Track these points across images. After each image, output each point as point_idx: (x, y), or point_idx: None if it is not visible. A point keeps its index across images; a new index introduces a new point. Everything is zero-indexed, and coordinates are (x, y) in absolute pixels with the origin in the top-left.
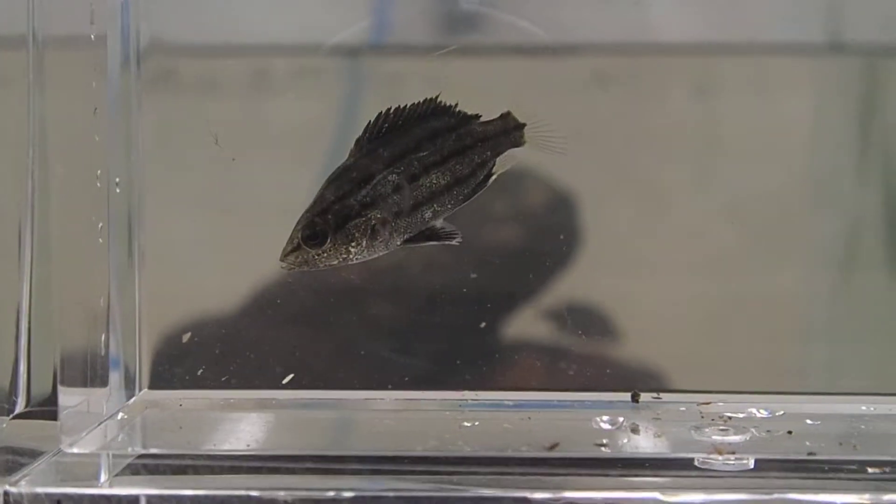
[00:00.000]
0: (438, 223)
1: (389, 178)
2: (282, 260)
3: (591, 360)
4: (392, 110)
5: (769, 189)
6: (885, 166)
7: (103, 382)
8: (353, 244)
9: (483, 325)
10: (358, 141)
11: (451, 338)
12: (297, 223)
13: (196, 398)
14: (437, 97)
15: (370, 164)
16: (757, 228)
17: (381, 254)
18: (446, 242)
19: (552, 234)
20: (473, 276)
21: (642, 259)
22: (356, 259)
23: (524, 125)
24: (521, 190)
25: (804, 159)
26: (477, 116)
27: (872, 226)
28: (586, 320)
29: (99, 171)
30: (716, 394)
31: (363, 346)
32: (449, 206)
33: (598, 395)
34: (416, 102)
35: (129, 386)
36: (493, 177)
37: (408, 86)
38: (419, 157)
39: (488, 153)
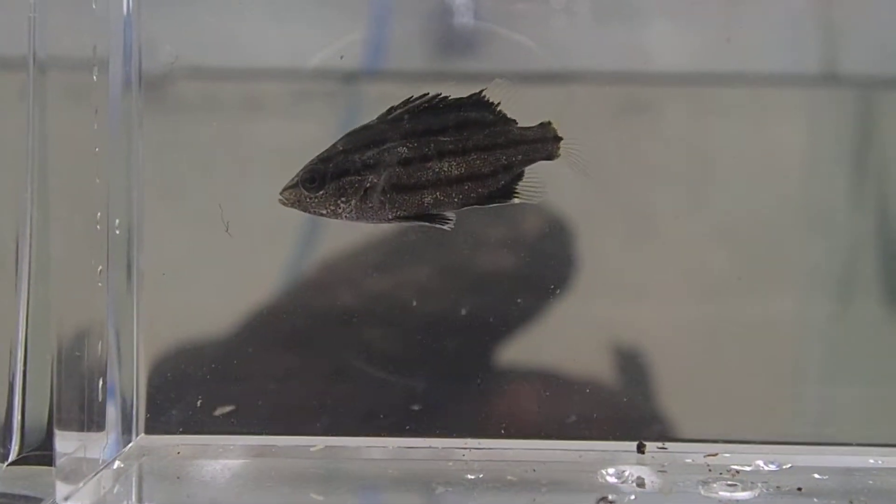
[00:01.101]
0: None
1: (399, 149)
2: (280, 193)
3: (587, 387)
4: (436, 95)
5: (765, 218)
6: (879, 196)
7: (100, 426)
8: (342, 199)
9: (479, 351)
10: (391, 108)
11: (447, 365)
12: (306, 164)
13: (194, 444)
14: (482, 91)
15: (387, 129)
16: (753, 257)
17: (371, 222)
18: (437, 226)
19: (546, 260)
20: (463, 311)
21: (636, 286)
22: (345, 217)
23: (561, 138)
24: (515, 216)
25: (799, 189)
26: (515, 122)
27: (868, 254)
28: (582, 348)
29: (99, 214)
30: (721, 443)
31: (357, 372)
32: (455, 200)
33: (603, 444)
34: (460, 96)
35: (126, 430)
36: (516, 200)
37: None
38: (437, 141)
39: (518, 157)
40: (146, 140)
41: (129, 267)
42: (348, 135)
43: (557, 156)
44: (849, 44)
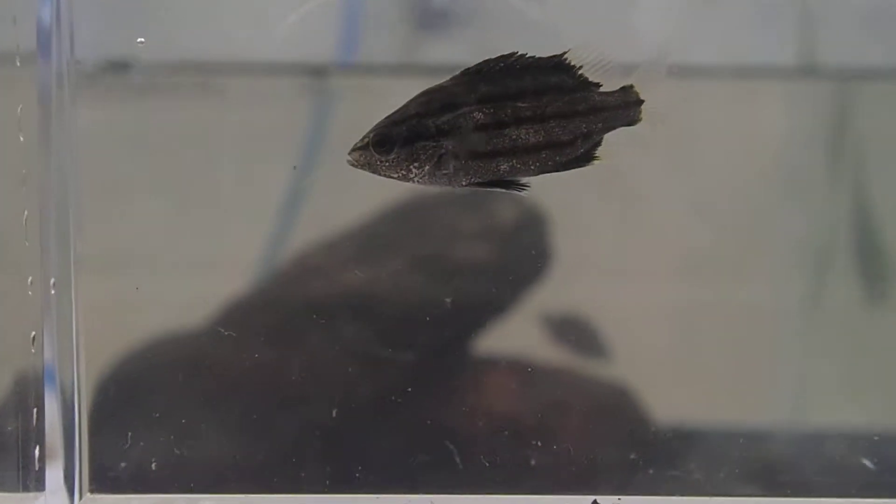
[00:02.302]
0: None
1: (475, 114)
2: (349, 154)
3: (564, 376)
4: (514, 55)
5: (743, 203)
6: (855, 181)
7: (39, 486)
8: (415, 164)
9: (453, 345)
10: (466, 70)
11: (420, 357)
12: (377, 125)
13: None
14: (564, 54)
15: (461, 92)
16: (734, 244)
17: (443, 186)
18: (514, 192)
19: (523, 250)
20: (448, 299)
21: (615, 274)
22: (416, 181)
23: (643, 101)
24: (491, 206)
25: (777, 173)
26: (598, 85)
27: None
28: (561, 334)
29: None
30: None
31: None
32: (532, 168)
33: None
34: (541, 56)
35: (70, 489)
36: (595, 161)
37: (379, 100)
38: (515, 106)
39: (599, 125)
40: (92, 131)
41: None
42: (421, 96)
43: (639, 120)
44: (826, 34)
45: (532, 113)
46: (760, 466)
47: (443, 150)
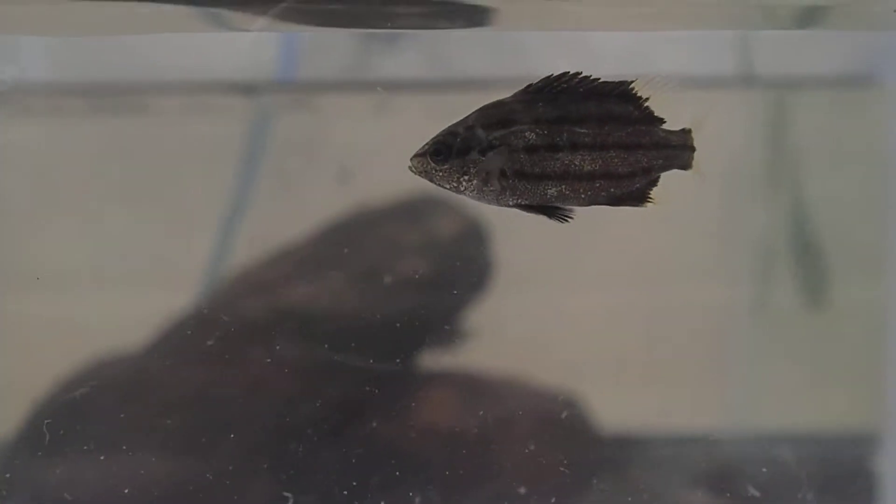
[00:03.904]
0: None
1: (527, 133)
2: (410, 159)
3: (510, 388)
4: (580, 75)
5: (684, 211)
6: (793, 186)
7: None
8: (465, 177)
9: (397, 361)
10: (528, 86)
11: (363, 373)
12: (440, 132)
13: None
14: (632, 83)
15: (518, 109)
16: (679, 250)
17: (491, 203)
18: (556, 219)
19: (464, 262)
20: (390, 314)
21: (556, 283)
22: (468, 195)
23: (695, 149)
24: (430, 220)
25: (719, 180)
26: (662, 121)
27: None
28: (506, 346)
29: None
30: None
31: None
32: (582, 196)
33: None
34: (607, 80)
35: None
36: (649, 203)
37: (321, 117)
38: (573, 131)
39: (659, 161)
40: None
41: None
42: (481, 109)
43: (690, 166)
44: (761, 46)
45: (592, 140)
46: (711, 472)
47: (489, 167)
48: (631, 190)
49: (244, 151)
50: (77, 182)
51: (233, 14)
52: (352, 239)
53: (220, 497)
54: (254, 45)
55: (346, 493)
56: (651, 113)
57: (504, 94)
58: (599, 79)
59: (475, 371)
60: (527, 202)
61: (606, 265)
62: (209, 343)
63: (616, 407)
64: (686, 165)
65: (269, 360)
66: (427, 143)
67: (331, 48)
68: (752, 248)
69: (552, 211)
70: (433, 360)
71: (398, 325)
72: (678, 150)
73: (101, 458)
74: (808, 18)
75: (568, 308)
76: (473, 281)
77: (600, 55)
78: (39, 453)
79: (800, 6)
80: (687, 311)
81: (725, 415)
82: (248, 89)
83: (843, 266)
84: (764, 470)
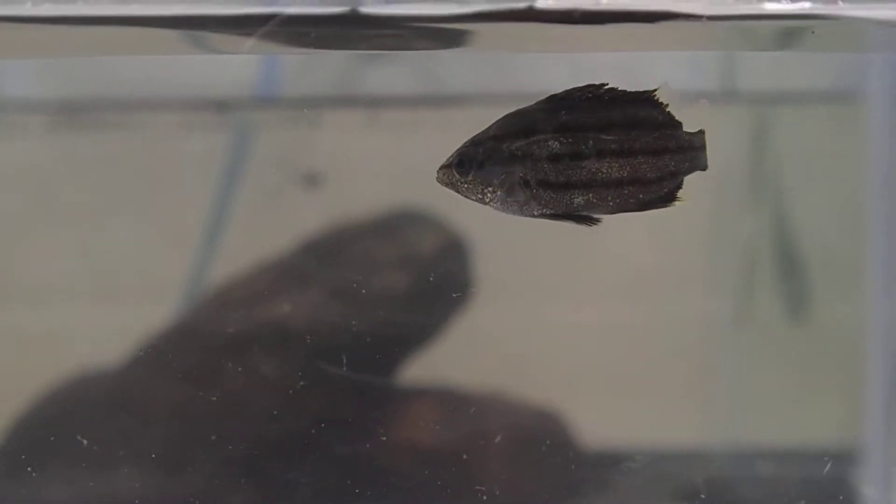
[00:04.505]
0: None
1: (550, 143)
2: (437, 171)
3: (490, 403)
4: (603, 85)
5: (666, 226)
6: (775, 200)
7: None
8: (489, 188)
9: (377, 376)
10: (552, 97)
11: (341, 389)
12: (464, 143)
13: None
14: (655, 90)
15: (541, 118)
16: (660, 264)
17: (517, 214)
18: (583, 224)
19: (443, 277)
20: (354, 323)
21: (541, 294)
22: (493, 206)
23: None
24: (408, 234)
25: (702, 196)
26: (681, 124)
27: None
28: (486, 361)
29: None
30: None
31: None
32: (610, 203)
33: None
34: (630, 90)
35: None
36: (678, 202)
37: (302, 132)
38: (598, 138)
39: (686, 164)
40: None
41: None
42: (502, 119)
43: (707, 166)
44: (744, 63)
45: (619, 147)
46: (693, 486)
47: (513, 178)
48: (661, 195)
49: (224, 167)
50: (57, 197)
51: (218, 37)
52: (332, 254)
53: None
54: (236, 63)
55: None
56: (673, 117)
57: (492, 110)
58: (625, 90)
59: (455, 386)
60: (552, 211)
61: (588, 280)
62: (188, 358)
63: (597, 422)
64: (704, 166)
65: (247, 375)
66: (451, 155)
67: (309, 67)
68: (735, 264)
69: (579, 218)
70: (413, 375)
71: (378, 339)
72: (699, 151)
73: (79, 473)
74: (786, 41)
75: (549, 323)
76: (454, 296)
77: (589, 69)
78: (15, 469)
79: (779, 30)
80: (670, 326)
81: (708, 430)
82: (229, 106)
83: (825, 281)
84: (747, 485)
